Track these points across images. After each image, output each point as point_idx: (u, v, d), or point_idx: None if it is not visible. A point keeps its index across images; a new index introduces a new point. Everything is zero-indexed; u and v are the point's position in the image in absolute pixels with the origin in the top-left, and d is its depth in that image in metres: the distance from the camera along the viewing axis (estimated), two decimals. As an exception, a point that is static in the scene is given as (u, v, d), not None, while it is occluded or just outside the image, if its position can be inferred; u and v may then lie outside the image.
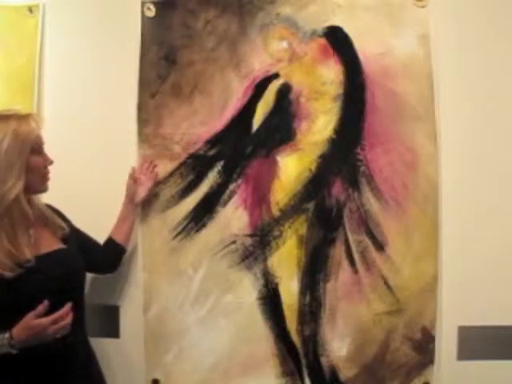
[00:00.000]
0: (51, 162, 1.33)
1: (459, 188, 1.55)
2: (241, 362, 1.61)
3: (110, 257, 1.58)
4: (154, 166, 1.62)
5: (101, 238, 1.56)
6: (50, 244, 1.35)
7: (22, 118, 1.29)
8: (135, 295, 1.66)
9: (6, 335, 1.19)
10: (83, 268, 1.42)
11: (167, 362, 1.63)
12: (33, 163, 1.28)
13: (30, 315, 1.20)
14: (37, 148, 1.30)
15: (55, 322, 1.22)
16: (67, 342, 1.28)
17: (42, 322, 1.20)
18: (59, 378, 1.30)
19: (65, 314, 1.24)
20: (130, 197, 1.59)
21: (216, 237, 1.62)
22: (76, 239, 1.44)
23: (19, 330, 1.20)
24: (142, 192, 1.59)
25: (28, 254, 1.25)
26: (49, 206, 1.42)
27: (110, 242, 1.57)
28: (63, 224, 1.40)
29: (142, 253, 1.64)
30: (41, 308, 1.21)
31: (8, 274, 1.21)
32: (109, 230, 1.58)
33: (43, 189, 1.34)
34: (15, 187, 1.24)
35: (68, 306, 1.25)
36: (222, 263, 1.61)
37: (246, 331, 1.60)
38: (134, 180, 1.60)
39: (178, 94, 1.64)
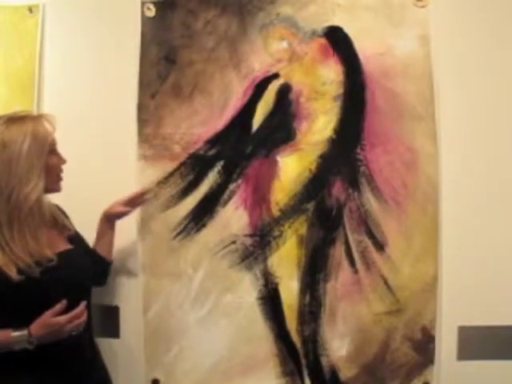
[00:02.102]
0: (65, 161, 1.37)
1: (459, 188, 1.55)
2: (241, 362, 1.61)
3: (99, 270, 1.55)
4: (143, 196, 1.59)
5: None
6: (60, 244, 1.37)
7: (37, 119, 1.32)
8: (135, 295, 1.66)
9: (25, 332, 1.22)
10: (90, 270, 1.43)
11: (167, 361, 1.63)
12: (50, 163, 1.32)
13: (48, 313, 1.24)
14: (53, 148, 1.33)
15: (71, 320, 1.26)
16: (78, 341, 1.31)
17: (59, 320, 1.24)
18: (65, 378, 1.31)
19: (80, 312, 1.28)
20: (108, 214, 1.56)
21: (216, 237, 1.62)
22: (80, 240, 1.46)
23: (37, 328, 1.23)
24: (121, 209, 1.55)
25: (49, 253, 1.28)
26: (56, 206, 1.43)
27: (96, 256, 1.54)
28: (70, 225, 1.42)
29: (142, 253, 1.64)
30: (58, 307, 1.24)
31: (30, 274, 1.24)
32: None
33: (57, 188, 1.37)
34: (37, 188, 1.27)
35: (83, 305, 1.30)
36: (222, 263, 1.61)
37: (246, 331, 1.60)
38: (122, 201, 1.56)
39: (177, 94, 1.64)
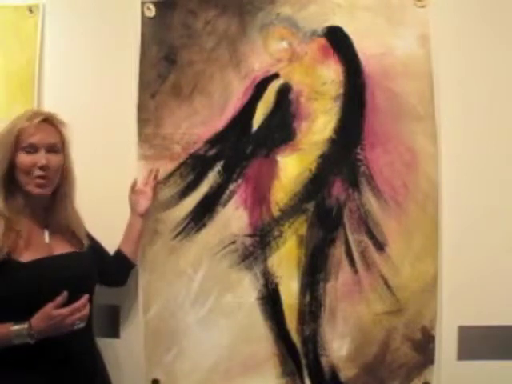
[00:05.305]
0: (42, 166, 1.30)
1: (459, 188, 1.55)
2: (241, 361, 1.60)
3: (119, 270, 1.58)
4: (156, 176, 1.62)
5: (100, 238, 1.56)
6: (64, 247, 1.37)
7: (33, 115, 1.33)
8: (135, 295, 1.66)
9: (25, 325, 1.22)
10: (95, 274, 1.43)
11: (167, 361, 1.63)
12: (18, 161, 1.30)
13: (50, 306, 1.23)
14: (24, 146, 1.30)
15: (73, 312, 1.25)
16: (78, 341, 1.31)
17: (61, 311, 1.23)
18: (63, 379, 1.30)
19: (82, 305, 1.27)
20: (133, 208, 1.59)
21: (216, 237, 1.62)
22: (93, 249, 1.46)
23: (38, 320, 1.22)
24: (143, 202, 1.58)
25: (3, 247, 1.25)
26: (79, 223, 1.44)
27: (119, 254, 1.57)
28: (84, 240, 1.42)
29: (142, 253, 1.64)
30: (60, 299, 1.24)
31: None
32: (108, 231, 1.57)
33: (30, 190, 1.31)
34: None
35: (85, 298, 1.28)
36: (222, 263, 1.61)
37: (246, 331, 1.60)
38: (134, 191, 1.60)
39: (178, 93, 1.64)
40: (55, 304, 1.23)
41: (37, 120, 1.32)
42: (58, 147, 1.36)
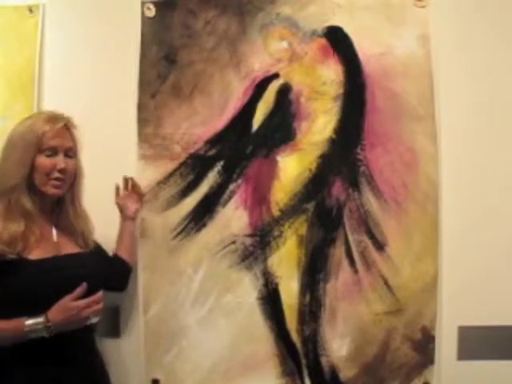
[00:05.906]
0: (61, 169, 1.33)
1: (459, 188, 1.55)
2: (241, 362, 1.61)
3: (119, 274, 1.59)
4: (133, 184, 1.62)
5: (100, 238, 1.55)
6: (71, 247, 1.38)
7: (53, 119, 1.34)
8: (135, 295, 1.66)
9: (41, 319, 1.21)
10: (100, 274, 1.43)
11: (167, 361, 1.63)
12: (37, 163, 1.31)
13: (68, 297, 1.24)
14: (44, 149, 1.32)
15: (90, 305, 1.27)
16: (79, 342, 1.32)
17: (79, 303, 1.25)
18: (68, 377, 1.30)
19: (97, 300, 1.29)
20: (122, 212, 1.61)
21: (216, 237, 1.62)
22: (98, 253, 1.48)
23: (55, 313, 1.23)
24: (131, 206, 1.60)
25: (18, 245, 1.26)
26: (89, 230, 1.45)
27: (116, 258, 1.57)
28: (90, 241, 1.43)
29: (142, 253, 1.64)
30: (79, 290, 1.26)
31: None
32: (107, 231, 1.58)
33: (45, 190, 1.33)
34: (14, 176, 1.29)
35: (100, 293, 1.30)
36: (222, 263, 1.61)
37: (246, 331, 1.60)
38: (119, 197, 1.62)
39: (178, 94, 1.64)
40: (74, 296, 1.25)
41: (59, 125, 1.34)
42: (74, 151, 1.39)
